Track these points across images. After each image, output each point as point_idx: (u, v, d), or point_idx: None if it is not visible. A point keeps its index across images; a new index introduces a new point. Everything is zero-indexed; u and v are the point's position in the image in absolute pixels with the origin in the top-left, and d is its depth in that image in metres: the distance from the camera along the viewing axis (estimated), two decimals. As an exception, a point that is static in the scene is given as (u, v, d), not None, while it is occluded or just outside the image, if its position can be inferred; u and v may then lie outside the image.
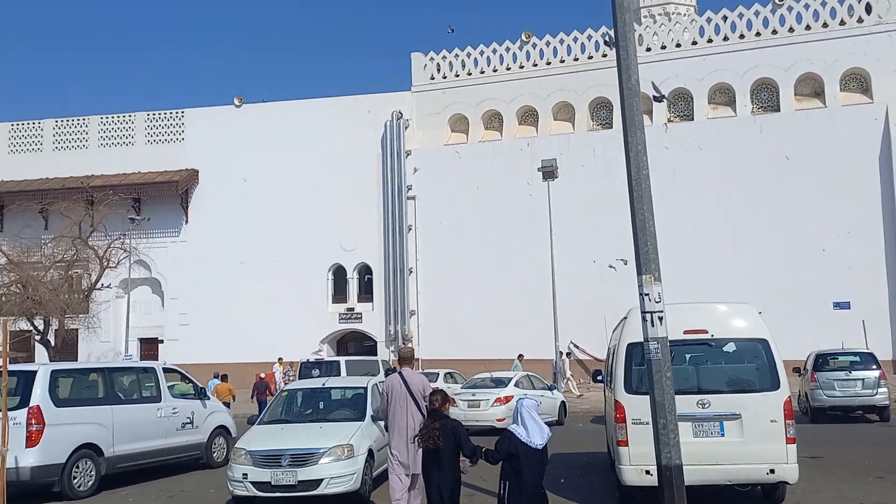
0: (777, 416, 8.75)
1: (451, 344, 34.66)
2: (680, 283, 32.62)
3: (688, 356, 9.20)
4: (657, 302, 7.32)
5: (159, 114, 40.59)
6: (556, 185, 34.12)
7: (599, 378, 13.67)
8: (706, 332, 9.15)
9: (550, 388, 21.09)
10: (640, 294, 7.50)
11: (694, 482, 8.14)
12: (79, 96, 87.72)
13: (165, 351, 39.23)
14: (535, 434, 7.29)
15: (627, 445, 8.87)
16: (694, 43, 33.88)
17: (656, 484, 7.91)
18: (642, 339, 8.17)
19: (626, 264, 33.79)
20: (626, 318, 9.45)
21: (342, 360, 24.16)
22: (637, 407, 8.73)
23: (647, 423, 8.20)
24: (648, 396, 8.02)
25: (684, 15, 39.39)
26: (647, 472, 8.60)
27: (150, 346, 40.09)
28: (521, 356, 29.72)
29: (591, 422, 21.73)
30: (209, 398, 15.10)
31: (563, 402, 21.14)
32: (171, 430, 13.59)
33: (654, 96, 26.09)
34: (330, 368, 24.14)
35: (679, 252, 32.46)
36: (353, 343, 39.57)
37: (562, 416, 20.75)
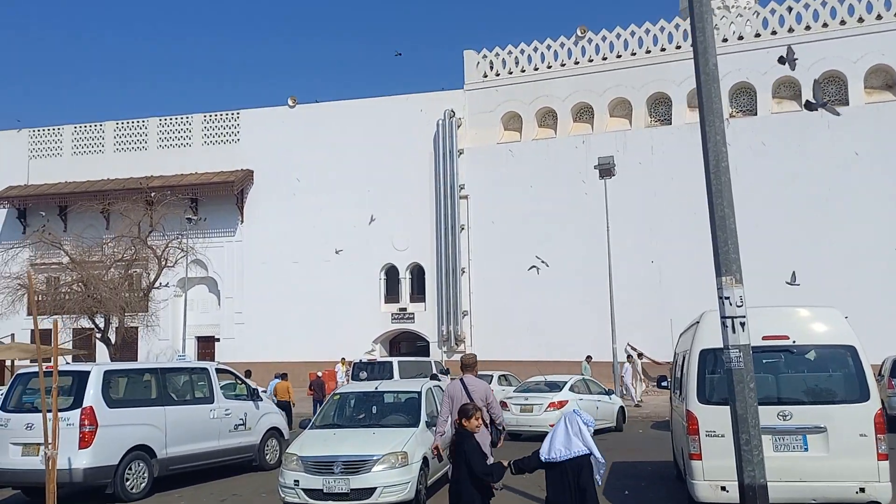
0: (867, 429, 8.02)
1: (505, 345, 34.15)
2: (747, 281, 31.46)
3: (767, 363, 8.51)
4: (739, 306, 6.71)
5: (216, 115, 41.08)
6: (613, 184, 33.28)
7: (664, 384, 13.01)
8: (787, 337, 8.46)
9: (608, 393, 20.35)
10: (720, 298, 6.89)
11: (776, 500, 7.50)
12: (137, 98, 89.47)
13: (221, 349, 39.70)
14: (556, 446, 6.50)
15: (701, 459, 8.26)
16: (757, 35, 32.60)
17: (732, 501, 7.30)
18: (717, 346, 7.59)
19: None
20: (697, 321, 8.82)
21: (395, 360, 23.86)
22: (712, 418, 8.12)
23: (723, 436, 7.60)
24: (724, 407, 7.41)
25: (745, 7, 37.99)
26: (723, 489, 7.99)
27: (206, 345, 40.61)
28: (589, 358, 29.08)
29: (652, 427, 20.98)
30: (262, 399, 14.92)
31: (621, 408, 20.40)
32: (223, 431, 13.43)
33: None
34: (382, 370, 23.85)
35: (742, 251, 31.35)
36: (406, 343, 39.37)
37: (620, 422, 20.05)
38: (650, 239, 32.70)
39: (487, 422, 8.44)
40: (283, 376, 24.24)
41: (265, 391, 28.43)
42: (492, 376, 22.96)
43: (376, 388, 11.44)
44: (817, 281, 28.71)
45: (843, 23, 31.25)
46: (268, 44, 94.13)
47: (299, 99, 39.89)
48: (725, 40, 33.03)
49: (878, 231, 29.52)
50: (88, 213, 39.59)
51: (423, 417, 10.65)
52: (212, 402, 13.36)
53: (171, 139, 41.58)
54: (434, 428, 9.73)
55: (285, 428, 15.03)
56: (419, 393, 11.05)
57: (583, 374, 24.82)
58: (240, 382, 14.87)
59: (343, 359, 31.29)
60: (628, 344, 32.94)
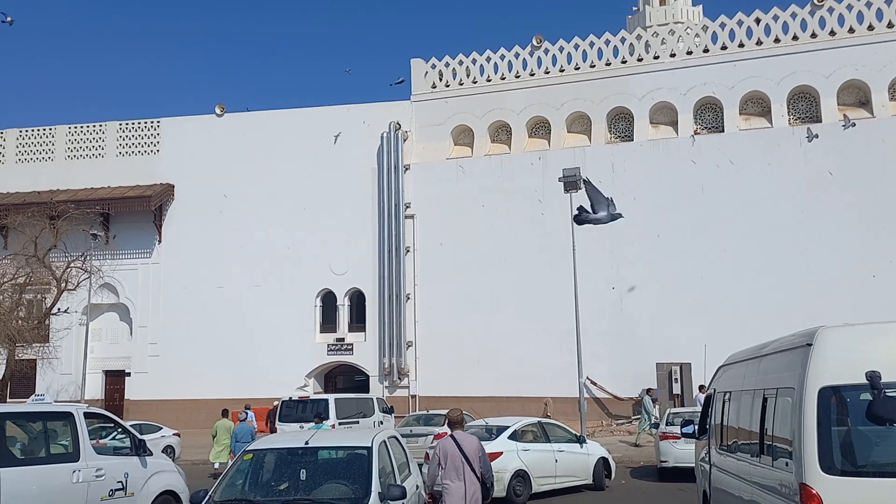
0: None
1: (453, 380, 30.91)
2: (717, 307, 29.33)
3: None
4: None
5: (133, 123, 36.99)
6: (561, 204, 30.67)
7: (689, 430, 9.94)
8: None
9: (578, 439, 15.95)
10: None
11: None
12: (45, 105, 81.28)
13: (133, 385, 35.21)
14: None
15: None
16: (724, 48, 30.74)
17: None
18: (849, 382, 4.63)
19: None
20: (809, 344, 5.70)
21: (331, 397, 20.28)
22: (848, 498, 5.05)
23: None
24: (873, 481, 4.42)
25: (700, 23, 36.39)
26: None
27: (116, 380, 35.99)
28: (650, 390, 24.95)
29: (632, 476, 17.93)
30: (150, 452, 11.25)
31: (602, 459, 15.90)
32: (93, 499, 9.75)
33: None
34: (316, 408, 20.31)
35: (710, 276, 29.01)
36: (343, 377, 35.61)
37: (600, 477, 15.67)
38: (611, 263, 30.13)
39: (479, 479, 8.47)
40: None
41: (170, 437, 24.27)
42: (441, 416, 19.64)
43: (306, 442, 7.99)
44: (787, 304, 26.54)
45: (813, 36, 29.64)
46: (195, 51, 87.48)
47: (228, 108, 36.27)
48: (690, 53, 31.09)
49: (852, 254, 27.60)
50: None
51: (376, 486, 7.30)
52: (76, 460, 9.68)
53: (81, 149, 37.22)
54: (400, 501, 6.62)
55: (184, 490, 11.37)
56: (369, 450, 7.70)
57: (548, 416, 21.77)
58: (119, 431, 11.19)
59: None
60: (587, 377, 30.06)
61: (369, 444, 7.79)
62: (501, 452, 13.77)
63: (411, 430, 17.30)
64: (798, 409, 5.49)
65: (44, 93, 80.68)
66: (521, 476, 14.05)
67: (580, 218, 23.14)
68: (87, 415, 10.31)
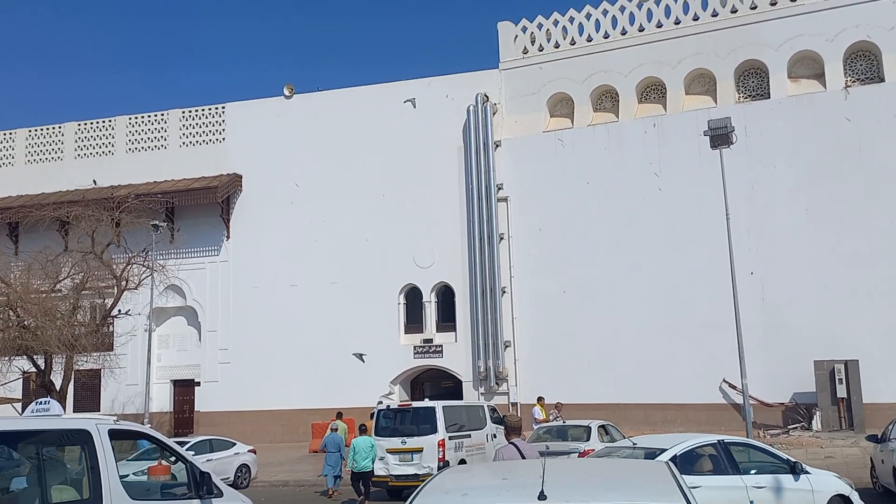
0: None
1: (560, 384, 26.60)
2: (891, 291, 24.27)
3: None
4: None
5: (196, 110, 34.08)
6: (688, 180, 26.20)
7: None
8: None
9: (793, 468, 10.33)
10: None
11: None
12: (102, 95, 74.95)
13: (202, 395, 32.14)
14: None
15: None
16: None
17: None
18: None
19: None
20: None
21: (438, 405, 16.27)
22: None
23: None
24: None
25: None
26: None
27: (185, 391, 33.02)
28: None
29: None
30: (219, 492, 7.45)
31: (839, 499, 10.50)
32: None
33: None
34: (417, 418, 16.46)
35: (877, 253, 24.05)
36: (431, 384, 31.66)
37: None
38: (749, 244, 25.34)
39: None
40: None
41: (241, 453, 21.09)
42: (589, 427, 15.39)
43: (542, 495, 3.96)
44: None
45: None
46: (259, 25, 79.21)
47: (297, 88, 32.96)
48: (833, -9, 26.17)
49: None
50: (42, 230, 32.19)
51: None
52: (97, 510, 5.93)
53: (142, 141, 34.51)
54: None
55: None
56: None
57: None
58: (169, 455, 7.44)
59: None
60: (724, 380, 25.43)
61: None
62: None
63: (548, 447, 13.21)
64: None
65: (99, 85, 77.41)
66: None
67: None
68: (114, 434, 6.55)
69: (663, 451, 9.70)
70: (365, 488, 15.87)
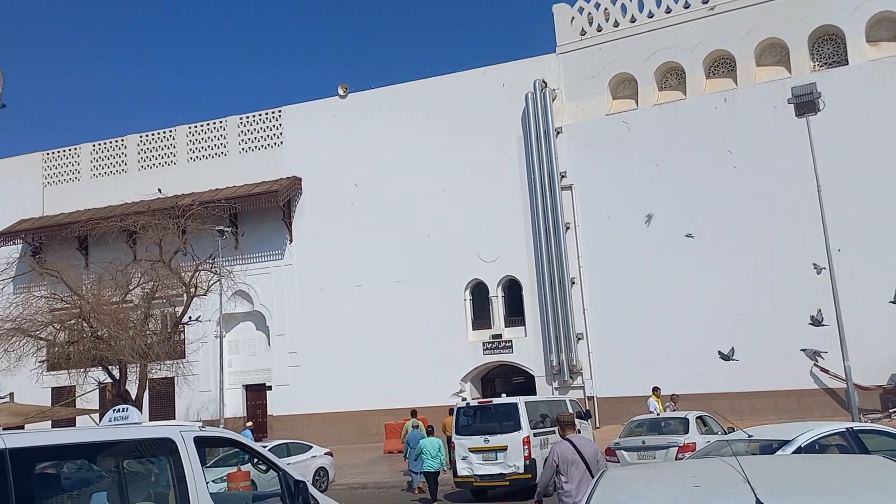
0: None
1: (638, 376, 25.57)
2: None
3: None
4: None
5: (253, 116, 34.15)
6: (761, 152, 24.89)
7: None
8: None
9: None
10: None
11: None
12: (164, 108, 76.77)
13: (274, 400, 32.18)
14: None
15: None
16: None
17: None
18: None
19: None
20: None
21: (520, 401, 15.65)
22: None
23: None
24: None
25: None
26: None
27: (257, 395, 33.13)
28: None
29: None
30: (311, 500, 6.93)
31: None
32: None
33: None
34: (497, 415, 15.84)
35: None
36: (501, 380, 31.05)
37: None
38: (834, 219, 23.86)
39: None
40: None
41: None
42: (687, 419, 14.49)
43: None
44: None
45: None
46: (306, 25, 78.30)
47: (351, 87, 32.68)
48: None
49: None
50: (111, 242, 32.72)
51: None
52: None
53: (202, 149, 34.76)
54: None
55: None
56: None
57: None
58: (259, 463, 6.97)
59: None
60: (815, 364, 24.08)
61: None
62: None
63: (644, 442, 12.47)
64: None
65: (160, 96, 78.81)
66: None
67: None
68: (201, 441, 6.09)
69: (786, 442, 8.74)
70: (432, 488, 16.07)
